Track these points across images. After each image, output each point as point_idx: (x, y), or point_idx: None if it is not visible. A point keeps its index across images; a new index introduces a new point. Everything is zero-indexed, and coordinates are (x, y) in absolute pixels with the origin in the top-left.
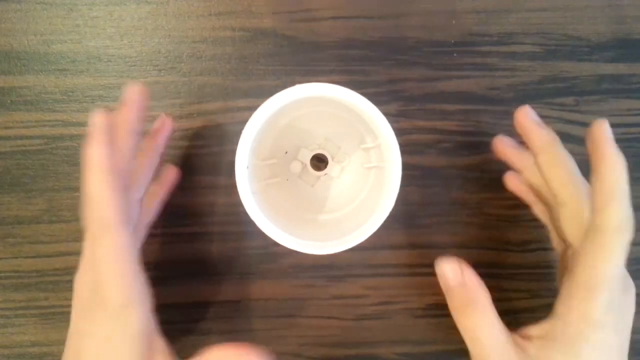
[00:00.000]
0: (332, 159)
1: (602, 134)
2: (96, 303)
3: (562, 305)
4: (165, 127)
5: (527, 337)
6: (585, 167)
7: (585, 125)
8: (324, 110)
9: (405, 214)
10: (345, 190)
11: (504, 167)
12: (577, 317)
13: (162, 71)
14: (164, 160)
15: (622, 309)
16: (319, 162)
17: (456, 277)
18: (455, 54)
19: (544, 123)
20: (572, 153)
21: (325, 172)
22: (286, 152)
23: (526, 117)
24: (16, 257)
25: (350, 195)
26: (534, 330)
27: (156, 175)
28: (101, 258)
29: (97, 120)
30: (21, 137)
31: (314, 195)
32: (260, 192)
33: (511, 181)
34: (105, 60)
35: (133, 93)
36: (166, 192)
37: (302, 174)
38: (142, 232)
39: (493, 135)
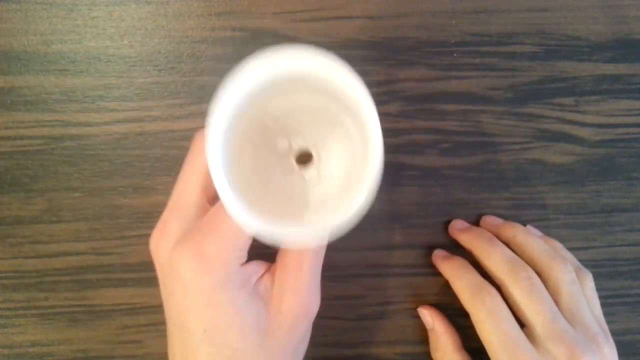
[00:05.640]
0: (318, 158)
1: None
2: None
3: None
4: None
5: None
6: (585, 168)
7: (586, 125)
8: (314, 105)
9: (405, 214)
10: (330, 189)
11: (503, 167)
12: None
13: (162, 71)
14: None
15: None
16: (304, 161)
17: (428, 323)
18: (455, 54)
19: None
20: (572, 153)
21: (310, 170)
22: (266, 150)
23: (439, 261)
24: (16, 257)
25: (335, 195)
26: None
27: None
28: None
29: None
30: (21, 137)
31: (299, 195)
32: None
33: None
34: (105, 60)
35: None
36: None
37: (285, 172)
38: None
39: (493, 135)
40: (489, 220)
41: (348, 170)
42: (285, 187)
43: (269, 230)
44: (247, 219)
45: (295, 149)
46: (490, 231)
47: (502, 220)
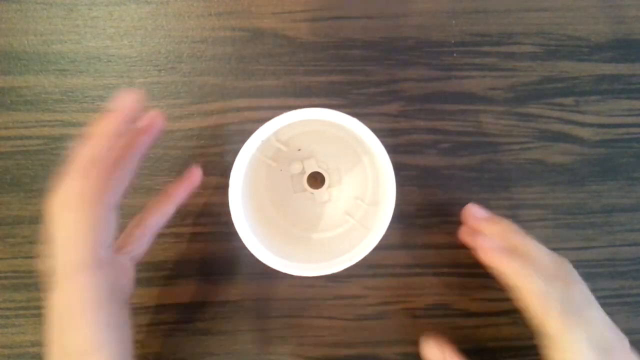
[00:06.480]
0: (329, 179)
1: (483, 251)
2: (62, 348)
3: None
4: (154, 126)
5: None
6: (585, 168)
7: (585, 125)
8: (325, 130)
9: (405, 214)
10: (339, 210)
11: (503, 167)
12: None
13: (162, 71)
14: (173, 162)
15: None
16: (316, 180)
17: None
18: (455, 54)
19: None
20: (572, 153)
21: (321, 191)
22: (281, 170)
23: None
24: (16, 257)
25: (343, 217)
26: None
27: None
28: (67, 305)
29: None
30: (21, 137)
31: (309, 213)
32: (255, 210)
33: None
34: (105, 60)
35: (126, 101)
36: (185, 195)
37: (297, 190)
38: (126, 258)
39: (493, 135)
40: (473, 211)
41: (357, 194)
42: (296, 206)
43: (288, 269)
44: (265, 256)
45: (308, 171)
46: (472, 227)
47: (487, 214)
